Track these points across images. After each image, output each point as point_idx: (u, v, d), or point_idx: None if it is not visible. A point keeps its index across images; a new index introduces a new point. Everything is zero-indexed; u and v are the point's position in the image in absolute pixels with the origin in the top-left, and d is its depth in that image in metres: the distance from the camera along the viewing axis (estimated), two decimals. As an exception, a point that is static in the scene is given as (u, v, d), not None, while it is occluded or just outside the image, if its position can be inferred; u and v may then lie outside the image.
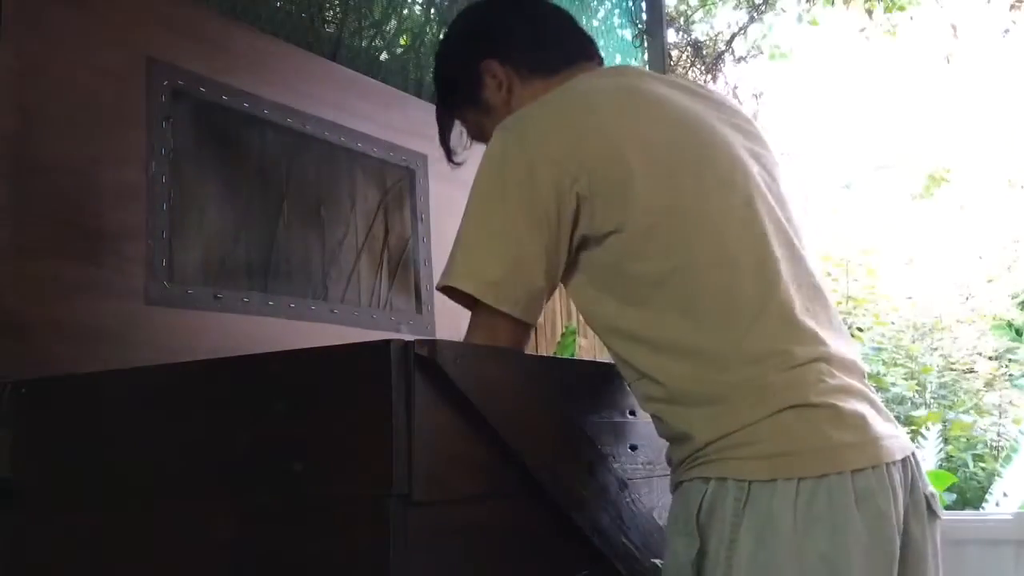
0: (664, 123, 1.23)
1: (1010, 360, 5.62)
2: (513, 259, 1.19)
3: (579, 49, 1.40)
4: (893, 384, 4.90)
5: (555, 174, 1.18)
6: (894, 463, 1.13)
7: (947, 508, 3.52)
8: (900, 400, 4.85)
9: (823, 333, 1.18)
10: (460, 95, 1.43)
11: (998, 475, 3.84)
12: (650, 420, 1.32)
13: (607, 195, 1.17)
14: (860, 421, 1.13)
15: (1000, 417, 4.74)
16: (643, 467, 1.36)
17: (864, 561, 1.08)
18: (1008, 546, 2.32)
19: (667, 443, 1.22)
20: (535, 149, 1.19)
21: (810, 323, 1.17)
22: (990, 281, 7.29)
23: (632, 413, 1.33)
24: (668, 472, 1.35)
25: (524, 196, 1.19)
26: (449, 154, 1.52)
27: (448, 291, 1.23)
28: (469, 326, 1.23)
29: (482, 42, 1.40)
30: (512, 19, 1.41)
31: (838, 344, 1.19)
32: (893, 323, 5.58)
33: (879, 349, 5.13)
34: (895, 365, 5.15)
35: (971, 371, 5.21)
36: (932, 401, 4.83)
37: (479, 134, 1.45)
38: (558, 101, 1.26)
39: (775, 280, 1.18)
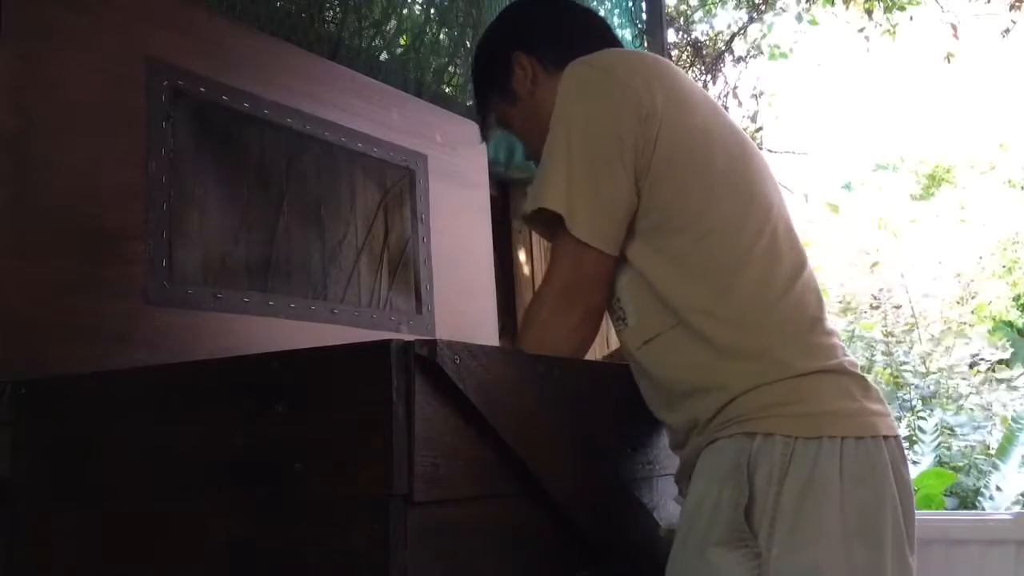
0: (710, 106, 1.36)
1: (1008, 361, 5.62)
2: (596, 191, 1.25)
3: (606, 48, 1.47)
4: (895, 380, 4.90)
5: (635, 107, 1.25)
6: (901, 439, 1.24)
7: (947, 509, 3.52)
8: (894, 399, 4.85)
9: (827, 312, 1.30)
10: (492, 84, 1.52)
11: (996, 469, 3.85)
12: (651, 420, 1.32)
13: (675, 142, 1.25)
14: (878, 394, 1.24)
15: (998, 417, 4.74)
16: (643, 467, 1.36)
17: (896, 525, 1.16)
18: (1008, 546, 2.32)
19: (680, 404, 1.25)
20: (617, 81, 1.28)
21: (823, 299, 1.29)
22: (1000, 279, 7.30)
23: (633, 413, 1.33)
24: (667, 472, 1.35)
25: (605, 127, 1.26)
26: (484, 134, 1.62)
27: (529, 220, 1.30)
28: (552, 258, 1.29)
29: (514, 35, 1.50)
30: (544, 16, 1.52)
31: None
32: (886, 322, 5.58)
33: (873, 347, 5.13)
34: (893, 366, 5.15)
35: (969, 370, 5.21)
36: (929, 401, 4.83)
37: (507, 122, 1.54)
38: (627, 51, 1.42)
39: (803, 257, 1.30)
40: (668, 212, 1.26)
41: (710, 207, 1.25)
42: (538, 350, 1.23)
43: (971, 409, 4.76)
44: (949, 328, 5.80)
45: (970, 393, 4.98)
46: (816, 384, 1.19)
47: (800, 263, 1.28)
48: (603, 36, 1.49)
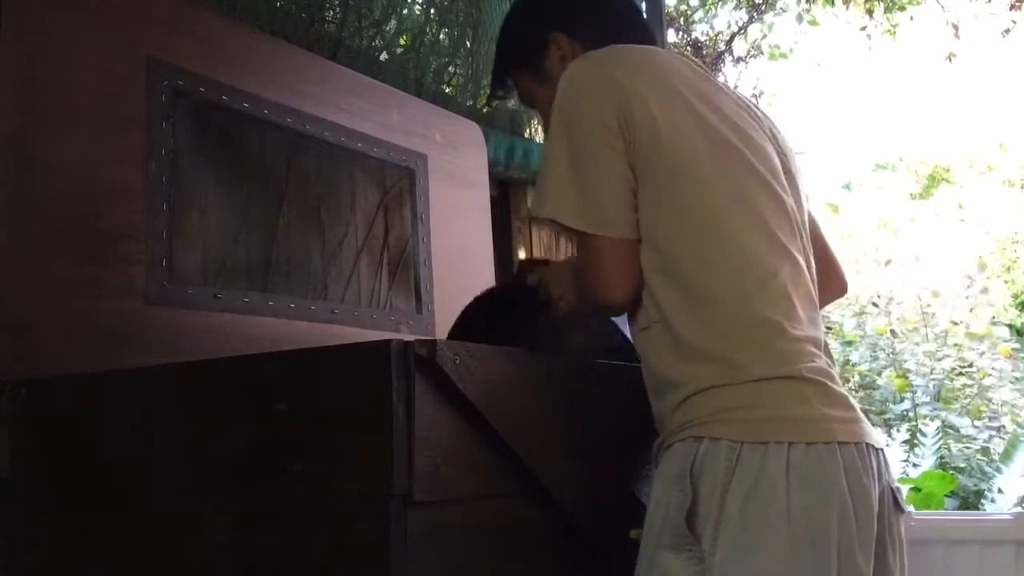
0: (705, 98, 1.33)
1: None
2: (587, 179, 1.25)
3: (640, 39, 1.45)
4: (889, 381, 4.90)
5: (619, 98, 1.25)
6: (873, 448, 1.20)
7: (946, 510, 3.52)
8: (894, 399, 4.84)
9: (809, 316, 1.26)
10: (522, 57, 1.50)
11: (999, 472, 3.84)
12: (651, 419, 1.32)
13: (658, 134, 1.25)
14: (845, 401, 1.21)
15: (997, 418, 4.73)
16: (643, 467, 1.36)
17: (845, 530, 1.13)
18: (1008, 546, 2.31)
19: (655, 394, 1.25)
20: (603, 74, 1.27)
21: (799, 304, 1.26)
22: (999, 278, 7.29)
23: (633, 412, 1.33)
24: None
25: (590, 118, 1.26)
26: (494, 99, 1.62)
27: (545, 220, 1.31)
28: (576, 252, 1.30)
29: (555, 13, 1.49)
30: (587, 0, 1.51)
31: (819, 333, 1.27)
32: (889, 322, 5.57)
33: (874, 346, 5.12)
34: (892, 366, 5.15)
35: (969, 370, 5.20)
36: (927, 401, 4.82)
37: (529, 99, 1.54)
38: (623, 46, 1.38)
39: (784, 256, 1.26)
40: (655, 208, 1.25)
41: (694, 202, 1.24)
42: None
43: (977, 409, 4.75)
44: (950, 328, 5.79)
45: (970, 396, 4.97)
46: (771, 390, 1.17)
47: (778, 264, 1.25)
48: (639, 27, 1.50)
